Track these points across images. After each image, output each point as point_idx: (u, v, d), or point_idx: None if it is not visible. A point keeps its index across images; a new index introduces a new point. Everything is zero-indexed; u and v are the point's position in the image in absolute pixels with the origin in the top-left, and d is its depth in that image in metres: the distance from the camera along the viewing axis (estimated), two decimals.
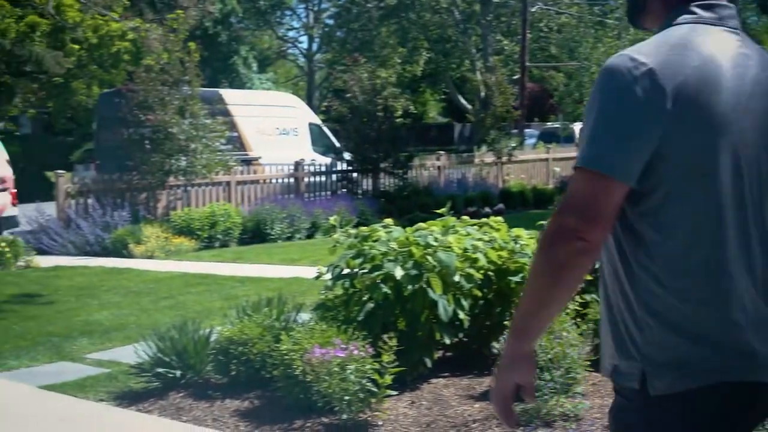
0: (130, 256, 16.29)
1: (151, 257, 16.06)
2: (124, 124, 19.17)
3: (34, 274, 14.01)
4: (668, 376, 2.23)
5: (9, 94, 36.26)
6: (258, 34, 59.27)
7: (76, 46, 32.23)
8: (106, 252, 16.86)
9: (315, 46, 59.35)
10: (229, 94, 24.02)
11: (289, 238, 18.39)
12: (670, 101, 2.19)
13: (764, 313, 2.28)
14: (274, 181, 21.84)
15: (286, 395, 6.31)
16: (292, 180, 22.06)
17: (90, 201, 18.34)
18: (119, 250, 16.62)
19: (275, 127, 24.58)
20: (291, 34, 64.68)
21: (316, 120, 27.14)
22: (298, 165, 22.20)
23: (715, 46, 2.29)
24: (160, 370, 7.09)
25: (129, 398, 7.07)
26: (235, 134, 22.71)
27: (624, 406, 2.35)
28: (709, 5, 2.37)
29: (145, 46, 18.92)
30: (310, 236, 18.73)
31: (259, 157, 23.28)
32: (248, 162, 22.34)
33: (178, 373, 7.05)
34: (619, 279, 2.32)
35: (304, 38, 61.05)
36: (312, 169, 22.71)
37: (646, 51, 2.26)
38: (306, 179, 22.36)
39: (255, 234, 18.41)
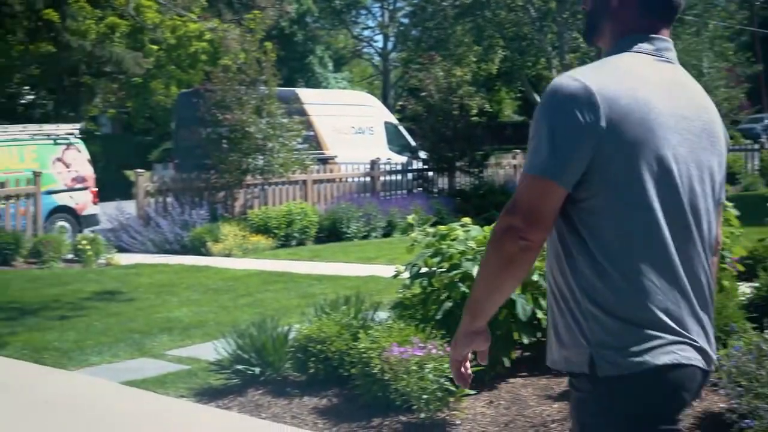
0: (208, 254, 16.48)
1: (228, 255, 16.22)
2: (202, 123, 19.39)
3: (114, 272, 14.23)
4: (613, 359, 2.50)
5: (89, 95, 36.86)
6: (333, 33, 59.53)
7: (155, 47, 32.68)
8: (184, 250, 17.06)
9: (390, 45, 59.40)
10: (305, 94, 24.16)
11: (365, 237, 18.45)
12: (604, 120, 2.47)
13: (694, 308, 2.59)
14: (349, 179, 21.93)
15: (364, 393, 6.33)
16: (367, 179, 22.14)
17: (169, 199, 18.58)
18: (197, 248, 16.81)
19: (351, 126, 24.67)
20: (366, 33, 64.58)
21: (392, 119, 27.18)
22: (373, 164, 22.27)
23: (650, 74, 2.63)
24: (239, 367, 7.16)
25: (209, 395, 7.15)
26: (312, 133, 22.84)
27: (577, 396, 2.62)
28: (649, 38, 2.71)
29: (224, 46, 19.08)
30: (386, 235, 18.78)
31: (335, 156, 23.39)
32: (324, 161, 22.46)
33: (257, 370, 7.12)
34: (564, 274, 2.60)
35: (380, 37, 61.21)
36: (388, 167, 22.76)
37: (587, 73, 2.57)
38: (382, 178, 22.43)
39: (331, 232, 18.49)
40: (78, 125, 20.66)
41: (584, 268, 2.55)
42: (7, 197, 16.73)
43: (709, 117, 2.74)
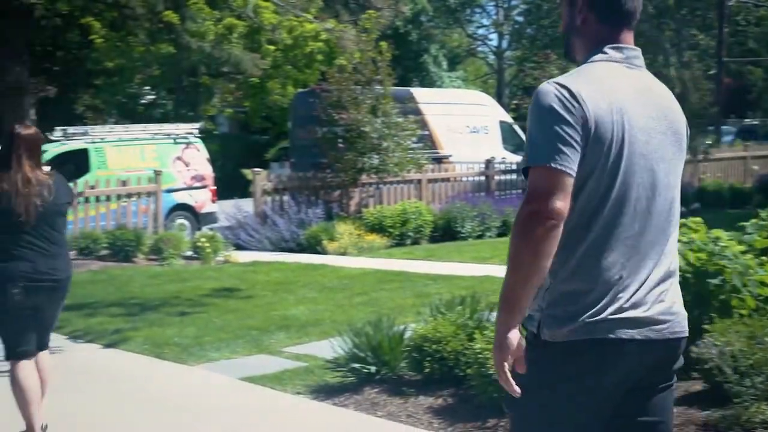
0: (323, 252, 16.63)
1: (343, 254, 16.35)
2: (318, 122, 19.58)
3: (232, 269, 14.46)
4: (555, 327, 2.86)
5: (207, 95, 37.53)
6: (448, 32, 59.47)
7: (272, 47, 33.06)
8: (300, 248, 17.24)
9: (505, 44, 59.13)
10: (420, 93, 24.20)
11: (479, 237, 18.39)
12: (592, 121, 2.85)
13: (650, 285, 2.92)
14: (464, 179, 21.90)
15: (479, 394, 6.32)
16: (482, 178, 22.07)
17: (285, 198, 18.79)
18: (313, 246, 16.98)
19: (466, 125, 24.60)
20: (481, 31, 64.38)
21: (507, 118, 27.03)
22: (488, 163, 22.20)
23: (621, 81, 3.00)
24: (355, 365, 7.23)
25: (325, 392, 7.23)
26: (426, 132, 22.85)
27: (528, 346, 2.91)
28: (618, 48, 3.08)
29: (340, 46, 19.25)
30: (500, 234, 18.67)
31: (450, 155, 23.37)
32: (439, 160, 22.47)
33: (373, 368, 7.17)
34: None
35: (494, 35, 60.87)
36: (503, 167, 22.66)
37: (569, 81, 2.93)
38: (497, 177, 22.34)
39: (445, 232, 18.48)
40: (197, 125, 21.07)
41: (568, 240, 2.87)
42: (129, 195, 17.14)
43: (674, 117, 3.12)
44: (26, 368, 6.20)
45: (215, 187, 20.30)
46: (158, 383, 7.93)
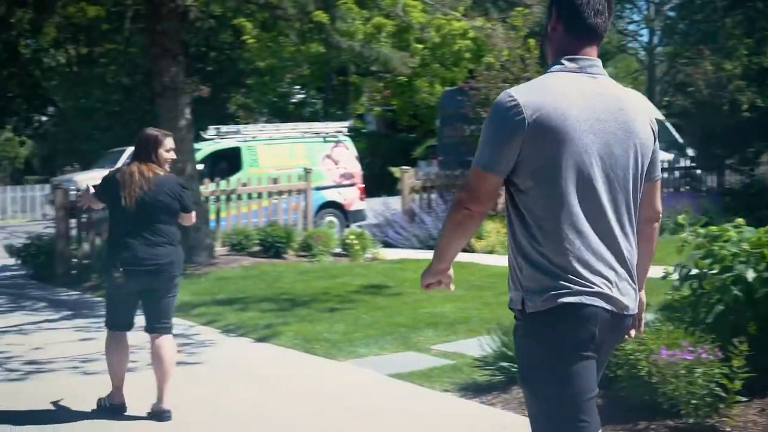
0: (471, 250, 16.60)
1: (491, 252, 16.31)
2: (466, 120, 19.59)
3: (380, 266, 14.58)
4: (537, 299, 3.41)
5: (356, 93, 37.90)
6: None
7: (420, 46, 33.22)
8: None
9: (656, 39, 57.99)
10: None
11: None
12: (528, 126, 3.33)
13: (606, 265, 3.44)
14: None
15: (630, 395, 6.23)
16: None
17: (433, 196, 18.83)
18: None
19: None
20: (631, 27, 63.28)
21: (658, 115, 26.53)
22: None
23: (571, 88, 3.44)
24: (503, 364, 7.21)
25: (473, 390, 7.24)
26: None
27: (516, 324, 3.54)
28: (573, 59, 3.53)
29: (489, 43, 19.20)
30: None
31: None
32: None
33: None
34: (510, 238, 3.57)
35: (645, 31, 59.76)
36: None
37: (520, 90, 3.45)
38: None
39: None
40: (346, 123, 21.32)
41: (520, 234, 3.49)
42: (280, 193, 17.44)
43: (626, 117, 3.52)
44: (116, 340, 7.06)
45: (363, 185, 20.49)
46: (308, 378, 8.05)
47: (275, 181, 17.50)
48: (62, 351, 9.25)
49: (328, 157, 19.96)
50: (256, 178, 17.36)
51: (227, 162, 19.60)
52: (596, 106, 3.45)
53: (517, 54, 19.29)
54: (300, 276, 13.62)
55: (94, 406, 7.09)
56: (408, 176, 18.86)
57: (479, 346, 7.67)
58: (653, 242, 3.86)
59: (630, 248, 3.55)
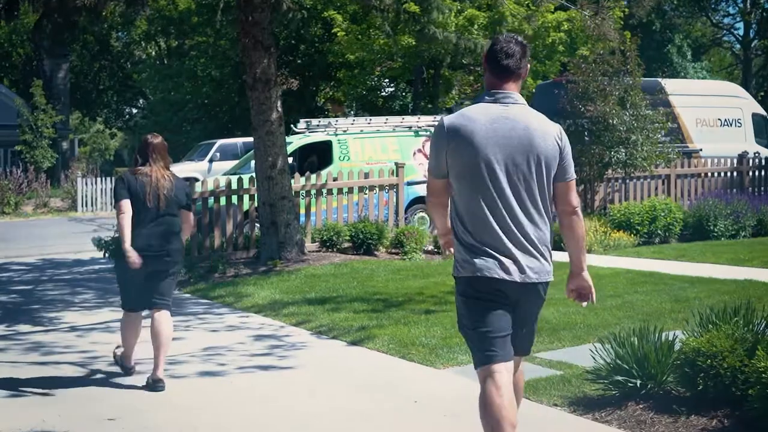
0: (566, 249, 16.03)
1: (589, 251, 15.69)
2: (562, 114, 18.94)
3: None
4: (459, 269, 4.87)
5: (447, 87, 37.37)
6: (691, 21, 57.35)
7: None
8: None
9: (752, 33, 56.51)
10: (669, 84, 23.11)
11: (732, 236, 17.34)
12: (449, 142, 4.78)
13: (503, 243, 4.77)
14: (714, 174, 20.78)
15: (762, 417, 5.67)
16: (734, 174, 20.90)
17: None
18: (557, 242, 16.32)
19: (717, 118, 23.44)
20: (726, 20, 61.84)
21: (761, 110, 25.59)
22: (741, 158, 20.99)
23: (482, 114, 4.80)
24: (618, 377, 6.67)
25: (584, 405, 6.72)
26: (675, 125, 21.84)
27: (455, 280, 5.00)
28: (491, 93, 4.88)
29: (599, 33, 18.62)
30: (755, 235, 17.58)
31: (700, 150, 22.28)
32: (688, 155, 21.40)
33: (638, 382, 6.59)
34: (452, 221, 5.01)
35: (741, 24, 58.29)
36: (756, 162, 21.39)
37: (450, 117, 4.87)
38: (750, 173, 21.11)
39: (695, 230, 17.52)
40: (438, 117, 20.79)
41: (454, 218, 4.92)
42: (371, 188, 17.00)
43: (529, 135, 4.77)
44: (132, 318, 8.08)
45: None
46: (406, 385, 7.60)
47: (366, 175, 17.06)
48: (147, 350, 8.95)
49: (420, 151, 19.49)
50: (347, 173, 16.94)
51: (318, 156, 19.25)
52: (502, 126, 4.77)
53: (611, 47, 18.63)
54: (393, 275, 13.18)
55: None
56: None
57: (589, 355, 7.13)
58: (574, 229, 5.18)
59: (536, 230, 4.86)
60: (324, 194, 16.36)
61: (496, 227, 4.74)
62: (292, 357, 8.64)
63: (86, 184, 33.04)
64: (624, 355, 6.70)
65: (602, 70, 18.32)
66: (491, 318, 4.80)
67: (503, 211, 4.74)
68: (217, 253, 14.95)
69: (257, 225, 15.67)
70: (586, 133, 18.14)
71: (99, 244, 15.67)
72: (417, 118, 21.00)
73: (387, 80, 39.72)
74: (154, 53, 53.98)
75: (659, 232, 17.05)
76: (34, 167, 35.97)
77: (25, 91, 43.47)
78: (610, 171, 18.55)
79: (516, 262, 4.75)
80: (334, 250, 15.42)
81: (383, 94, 40.50)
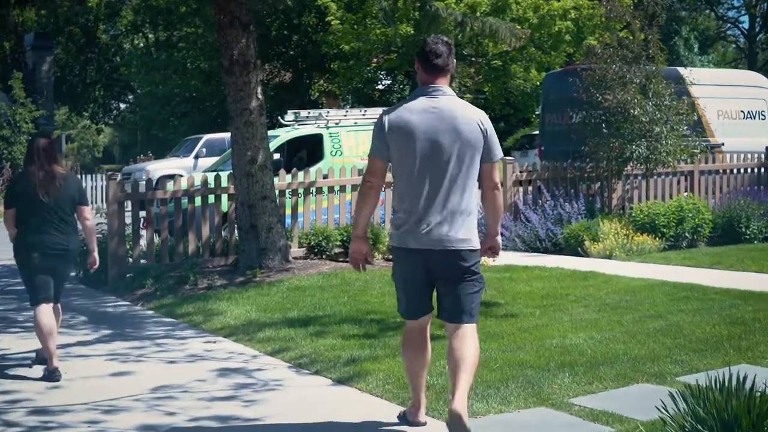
0: (585, 254, 14.33)
1: (609, 257, 13.98)
2: (576, 105, 17.24)
3: (485, 275, 12.18)
4: (392, 240, 5.89)
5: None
6: (695, 15, 55.69)
7: (519, 26, 30.87)
8: (556, 248, 15.06)
9: (757, 26, 54.90)
10: (689, 73, 21.30)
11: (766, 239, 15.59)
12: (387, 130, 5.71)
13: (427, 217, 5.65)
14: (740, 171, 19.01)
15: None
16: (762, 170, 19.14)
17: (535, 191, 16.48)
18: (573, 247, 14.70)
19: (740, 110, 21.63)
20: (731, 13, 60.17)
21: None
22: None
23: (415, 106, 5.72)
24: None
25: None
26: (695, 117, 20.03)
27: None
28: (424, 87, 5.77)
29: (616, 14, 16.91)
30: None
31: (722, 144, 20.49)
32: (709, 149, 19.59)
33: None
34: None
35: (746, 17, 56.65)
36: None
37: (388, 110, 5.88)
38: None
39: (725, 233, 15.75)
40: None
41: (394, 195, 5.89)
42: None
43: (455, 122, 5.64)
44: (45, 311, 7.97)
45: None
46: None
47: (360, 172, 15.21)
48: (83, 390, 7.18)
49: None
50: (338, 169, 15.13)
51: (307, 151, 17.49)
52: (430, 116, 5.64)
53: (619, 37, 17.01)
54: (389, 287, 11.30)
55: None
56: (512, 168, 16.54)
57: (639, 401, 5.37)
58: (496, 203, 5.93)
59: (458, 203, 5.67)
60: (313, 193, 14.56)
61: (418, 204, 5.66)
62: (261, 402, 6.82)
63: None
64: (705, 418, 4.90)
65: (621, 55, 16.56)
66: (409, 282, 5.96)
67: (427, 189, 5.65)
68: (191, 260, 13.17)
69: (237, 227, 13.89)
70: (603, 124, 16.34)
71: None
72: None
73: (384, 72, 38.01)
74: (141, 45, 52.13)
75: (686, 234, 15.27)
76: (11, 164, 34.15)
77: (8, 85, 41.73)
78: (629, 167, 16.77)
79: (427, 231, 5.67)
80: (323, 256, 13.62)
81: (380, 86, 38.75)
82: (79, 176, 31.42)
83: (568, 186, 16.90)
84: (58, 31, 50.69)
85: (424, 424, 6.13)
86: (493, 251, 6.16)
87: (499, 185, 5.94)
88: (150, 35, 50.95)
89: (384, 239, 13.88)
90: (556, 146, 19.21)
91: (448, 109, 5.63)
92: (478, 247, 5.86)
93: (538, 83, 34.82)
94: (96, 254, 8.41)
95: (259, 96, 12.73)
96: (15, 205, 8.03)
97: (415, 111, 5.64)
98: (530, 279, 11.73)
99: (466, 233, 5.69)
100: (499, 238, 6.14)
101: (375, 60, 35.40)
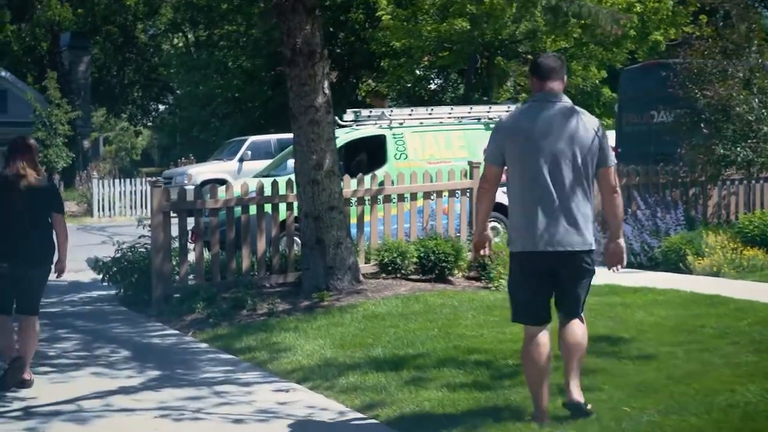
0: (687, 270, 12.66)
1: (716, 274, 12.29)
2: (670, 101, 15.63)
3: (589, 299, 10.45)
4: (512, 246, 6.07)
5: (502, 77, 33.93)
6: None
7: (575, 21, 29.11)
8: (651, 263, 13.39)
9: None
10: None
11: None
12: (503, 135, 6.05)
13: (550, 224, 5.82)
14: None
15: None
16: None
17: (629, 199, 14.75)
18: (673, 262, 13.00)
19: None
20: None
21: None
22: None
23: (532, 111, 5.98)
24: None
25: None
26: None
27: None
28: (537, 93, 6.03)
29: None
30: None
31: None
32: None
33: None
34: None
35: None
36: None
37: (506, 116, 6.33)
38: None
39: None
40: (513, 107, 17.29)
41: (510, 200, 6.05)
42: (438, 193, 13.43)
43: (570, 127, 5.87)
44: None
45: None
46: None
47: (432, 178, 13.48)
48: None
49: None
50: (408, 174, 13.41)
51: (367, 153, 15.79)
52: (547, 121, 5.87)
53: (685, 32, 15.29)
54: (484, 315, 9.66)
55: None
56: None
57: None
58: (617, 207, 6.03)
59: (577, 207, 5.84)
60: (380, 202, 12.87)
61: (534, 208, 5.88)
62: None
63: (103, 186, 29.74)
64: None
65: (721, 46, 14.82)
66: (534, 287, 6.09)
67: (546, 194, 5.86)
68: (245, 278, 11.54)
69: (297, 240, 12.29)
70: (702, 124, 14.59)
71: (95, 266, 12.32)
72: (488, 107, 17.55)
73: (435, 71, 36.33)
74: (180, 44, 50.74)
75: None
76: (47, 168, 32.76)
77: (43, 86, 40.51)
78: (728, 171, 15.00)
79: (548, 235, 5.88)
80: (397, 275, 11.93)
81: (431, 86, 37.05)
82: (117, 180, 30.10)
83: (660, 192, 15.14)
84: (95, 30, 49.45)
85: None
86: (617, 258, 6.18)
87: (618, 189, 6.10)
88: (189, 34, 49.55)
89: (464, 255, 12.20)
90: (634, 148, 17.54)
91: (565, 114, 5.91)
92: (595, 247, 6.03)
93: (597, 81, 33.05)
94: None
95: (326, 91, 11.08)
96: None
97: (531, 116, 5.94)
98: (647, 305, 9.98)
99: (584, 235, 5.89)
100: (622, 241, 6.18)
101: (426, 58, 33.70)
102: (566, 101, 6.00)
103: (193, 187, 19.32)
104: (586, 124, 5.91)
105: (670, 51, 30.80)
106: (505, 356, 7.79)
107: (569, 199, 5.83)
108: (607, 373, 7.21)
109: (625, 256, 6.19)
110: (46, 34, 48.79)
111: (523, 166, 5.89)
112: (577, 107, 6.05)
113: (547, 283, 5.97)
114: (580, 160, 5.84)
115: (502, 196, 14.88)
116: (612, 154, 5.99)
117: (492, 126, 16.07)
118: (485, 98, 31.19)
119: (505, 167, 6.04)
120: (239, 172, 27.05)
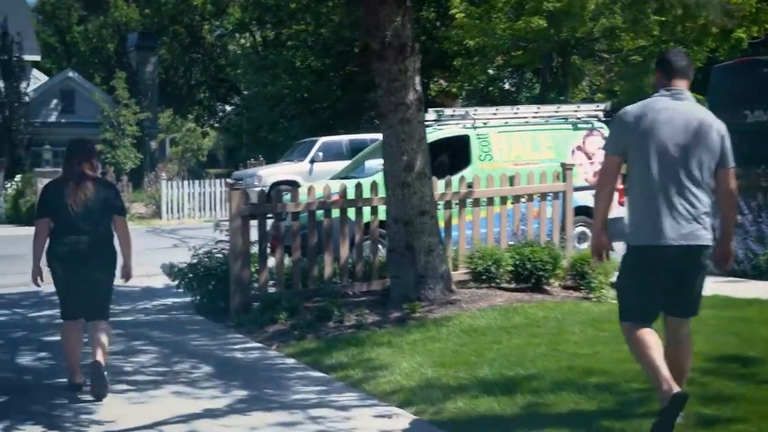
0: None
1: None
2: (754, 102, 14.75)
3: (706, 312, 9.63)
4: (630, 238, 5.85)
5: (577, 76, 33.07)
6: None
7: (659, 18, 28.15)
8: (756, 272, 12.71)
9: None
10: None
11: None
12: (630, 125, 5.85)
13: (670, 217, 5.69)
14: None
15: None
16: None
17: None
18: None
19: None
20: None
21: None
22: None
23: (658, 105, 5.85)
24: None
25: None
26: None
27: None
28: (667, 88, 5.91)
29: None
30: None
31: None
32: None
33: None
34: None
35: None
36: None
37: (633, 105, 5.96)
38: None
39: None
40: (602, 106, 16.47)
41: (629, 193, 5.94)
42: (530, 197, 12.65)
43: (696, 125, 5.76)
44: (70, 328, 7.70)
45: (622, 185, 15.54)
46: None
47: (511, 180, 12.65)
48: None
49: (580, 148, 15.30)
50: (498, 177, 12.65)
51: (449, 154, 15.07)
52: (674, 115, 5.79)
53: None
54: (591, 329, 8.88)
55: None
56: None
57: None
58: (732, 209, 6.11)
59: (697, 204, 5.72)
60: (469, 206, 12.15)
61: (655, 201, 5.75)
62: None
63: (171, 187, 29.36)
64: None
65: None
66: (646, 280, 5.94)
67: (666, 188, 5.75)
68: (327, 286, 10.89)
69: (380, 245, 11.61)
70: None
71: (170, 272, 11.73)
72: (576, 106, 16.75)
73: (509, 70, 35.51)
74: (248, 45, 50.37)
75: None
76: (115, 169, 32.43)
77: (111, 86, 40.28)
78: None
79: (668, 230, 5.73)
80: (491, 284, 11.19)
81: (505, 86, 36.23)
82: (186, 182, 29.67)
83: (762, 196, 14.28)
84: (162, 30, 49.26)
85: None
86: (726, 258, 6.06)
87: (735, 191, 6.03)
88: (257, 34, 49.16)
89: (561, 263, 11.44)
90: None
91: (690, 112, 5.84)
92: (712, 244, 5.88)
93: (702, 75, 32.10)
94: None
95: (417, 87, 10.37)
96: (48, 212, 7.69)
97: (656, 110, 5.83)
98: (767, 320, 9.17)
99: (703, 231, 5.76)
100: (733, 244, 6.19)
101: (500, 57, 32.92)
102: (691, 98, 5.92)
103: (263, 189, 18.77)
104: (711, 123, 5.81)
105: (754, 49, 29.78)
106: (628, 379, 7.01)
107: (694, 195, 5.72)
108: (747, 400, 6.40)
109: (733, 255, 6.18)
110: (113, 35, 48.72)
111: (643, 159, 5.78)
112: (701, 105, 6.01)
113: (663, 280, 5.78)
114: (703, 158, 5.75)
115: (587, 198, 14.36)
116: (732, 157, 5.88)
117: (579, 126, 15.40)
118: (561, 98, 30.38)
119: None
120: (310, 174, 26.44)
